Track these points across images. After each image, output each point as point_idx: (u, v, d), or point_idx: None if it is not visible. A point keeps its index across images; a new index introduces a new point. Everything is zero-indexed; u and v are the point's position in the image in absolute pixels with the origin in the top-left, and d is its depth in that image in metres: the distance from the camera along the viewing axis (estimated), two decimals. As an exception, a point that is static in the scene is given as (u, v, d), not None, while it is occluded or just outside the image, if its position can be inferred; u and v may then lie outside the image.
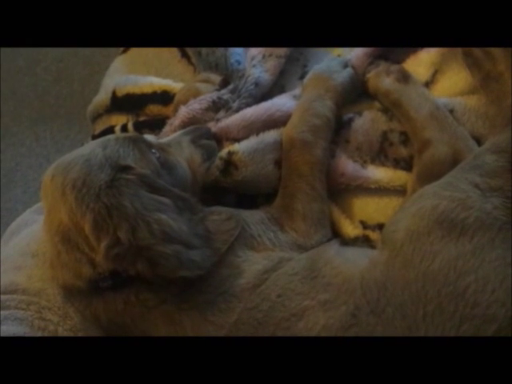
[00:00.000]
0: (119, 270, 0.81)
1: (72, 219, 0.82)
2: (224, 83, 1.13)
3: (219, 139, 1.06)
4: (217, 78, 1.14)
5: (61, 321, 0.89)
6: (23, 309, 0.90)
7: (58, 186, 0.84)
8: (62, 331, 0.88)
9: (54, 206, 0.85)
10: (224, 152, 1.02)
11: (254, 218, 0.93)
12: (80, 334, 0.88)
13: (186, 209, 0.86)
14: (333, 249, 0.90)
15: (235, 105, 1.08)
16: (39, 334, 0.87)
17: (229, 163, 1.00)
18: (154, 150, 0.92)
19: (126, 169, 0.85)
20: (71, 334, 0.88)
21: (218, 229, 0.88)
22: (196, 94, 1.11)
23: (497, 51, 0.93)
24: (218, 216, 0.90)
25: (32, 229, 1.04)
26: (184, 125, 1.06)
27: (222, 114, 1.07)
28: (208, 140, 1.03)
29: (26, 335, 0.86)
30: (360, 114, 1.03)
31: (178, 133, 1.04)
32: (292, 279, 0.84)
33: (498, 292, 0.74)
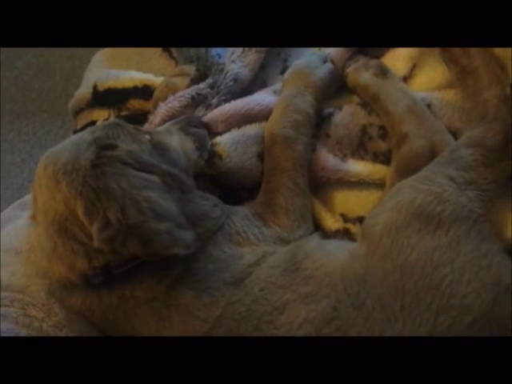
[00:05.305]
0: (110, 263, 0.81)
1: (68, 206, 0.81)
2: (199, 74, 1.12)
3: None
4: (191, 70, 1.14)
5: (45, 317, 0.90)
6: (6, 305, 0.90)
7: (50, 174, 0.83)
8: (47, 327, 0.89)
9: (50, 196, 0.84)
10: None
11: (238, 214, 0.94)
12: (64, 331, 0.89)
13: (175, 186, 0.86)
14: (313, 241, 0.92)
15: (214, 101, 1.08)
16: (24, 331, 0.88)
17: (212, 153, 1.01)
18: (144, 133, 0.92)
19: (111, 147, 0.84)
20: (56, 331, 0.89)
21: (205, 214, 0.89)
22: (174, 89, 1.11)
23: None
24: (206, 201, 0.91)
25: (15, 225, 1.04)
26: (164, 123, 1.06)
27: (201, 111, 1.07)
28: (198, 128, 1.03)
29: (10, 332, 0.86)
30: (340, 108, 1.04)
31: (168, 123, 1.03)
32: (273, 272, 0.85)
33: (473, 283, 0.76)
